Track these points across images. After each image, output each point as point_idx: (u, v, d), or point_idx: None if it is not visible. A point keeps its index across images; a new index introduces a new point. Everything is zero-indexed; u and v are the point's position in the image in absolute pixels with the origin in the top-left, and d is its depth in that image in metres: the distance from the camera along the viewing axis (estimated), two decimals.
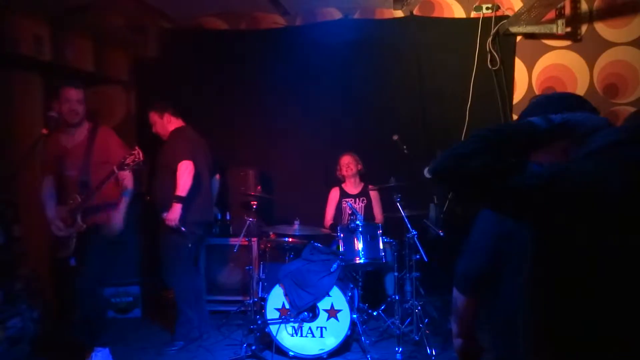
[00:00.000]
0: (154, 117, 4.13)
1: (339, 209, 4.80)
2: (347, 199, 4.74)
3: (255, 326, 3.89)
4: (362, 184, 4.84)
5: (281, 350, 3.75)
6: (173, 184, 3.79)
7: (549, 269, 1.16)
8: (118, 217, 3.57)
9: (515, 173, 1.11)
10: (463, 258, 1.67)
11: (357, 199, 4.78)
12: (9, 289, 3.92)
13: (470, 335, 1.73)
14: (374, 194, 4.78)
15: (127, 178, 3.64)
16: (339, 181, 4.89)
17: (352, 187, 4.82)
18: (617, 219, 1.06)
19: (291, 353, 3.74)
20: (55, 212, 3.48)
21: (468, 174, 1.12)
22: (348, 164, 4.75)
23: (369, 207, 4.77)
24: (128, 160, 3.33)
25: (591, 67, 4.73)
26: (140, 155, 3.35)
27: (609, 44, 4.70)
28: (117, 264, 4.53)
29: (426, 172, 3.46)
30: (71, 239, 3.45)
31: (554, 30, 4.64)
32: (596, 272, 1.08)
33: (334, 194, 4.85)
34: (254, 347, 3.77)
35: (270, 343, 3.74)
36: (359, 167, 4.79)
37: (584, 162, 1.15)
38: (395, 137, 4.39)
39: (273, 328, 3.75)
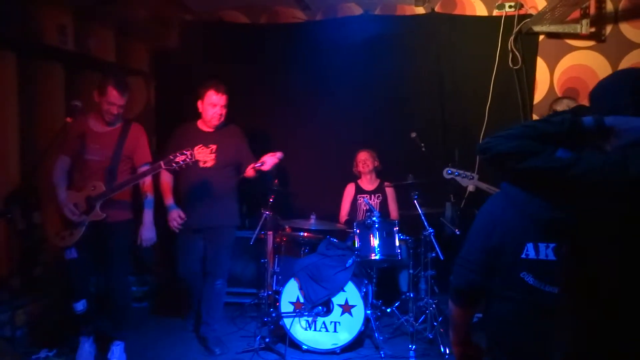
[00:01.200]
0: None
1: (354, 204, 4.80)
2: (362, 195, 4.74)
3: (269, 319, 3.92)
4: (378, 181, 4.84)
5: (294, 344, 3.77)
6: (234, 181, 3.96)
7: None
8: (147, 233, 3.47)
9: (544, 155, 1.21)
10: (455, 271, 1.70)
11: (373, 196, 4.78)
12: (29, 274, 3.99)
13: (467, 342, 1.79)
14: (389, 191, 4.78)
15: (148, 183, 3.50)
16: (355, 177, 4.89)
17: (368, 183, 4.82)
18: (633, 208, 1.10)
19: (304, 347, 3.76)
20: (68, 195, 3.36)
21: (502, 151, 1.25)
22: (365, 160, 4.75)
23: (384, 204, 4.76)
24: (178, 159, 3.19)
25: (615, 68, 4.65)
26: (193, 157, 3.22)
27: (634, 45, 4.62)
28: (134, 254, 4.60)
29: (445, 173, 3.45)
30: (81, 226, 3.32)
31: (578, 30, 4.58)
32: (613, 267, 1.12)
33: (350, 190, 4.85)
34: (267, 340, 3.80)
35: (284, 336, 3.76)
36: (376, 163, 4.78)
37: (611, 153, 1.19)
38: (413, 135, 4.38)
39: (287, 321, 3.78)
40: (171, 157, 3.22)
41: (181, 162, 3.21)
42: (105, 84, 3.35)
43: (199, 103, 3.83)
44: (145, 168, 3.48)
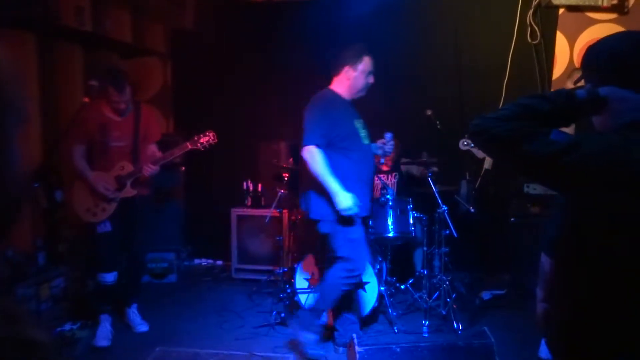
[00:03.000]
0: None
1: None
2: (378, 174, 4.74)
3: (284, 295, 3.99)
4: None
5: None
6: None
7: (575, 237, 1.17)
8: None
9: (536, 139, 1.15)
10: (551, 223, 1.66)
11: (389, 175, 4.77)
12: (53, 250, 4.13)
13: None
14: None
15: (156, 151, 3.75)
16: None
17: (385, 165, 4.80)
18: (633, 195, 1.07)
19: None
20: (96, 175, 3.56)
21: (495, 135, 1.19)
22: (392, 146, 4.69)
23: (400, 183, 4.76)
24: (202, 140, 3.54)
25: None
26: (214, 138, 3.56)
27: None
28: (155, 231, 4.72)
29: (461, 144, 3.42)
30: (114, 202, 3.57)
31: (599, 3, 4.44)
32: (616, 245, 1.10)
33: None
34: (283, 315, 3.87)
35: None
36: (398, 151, 4.73)
37: (610, 134, 1.15)
38: (428, 112, 4.35)
39: (302, 297, 3.84)
40: (196, 137, 3.55)
41: (205, 143, 3.53)
42: (105, 86, 3.50)
43: None
44: (155, 149, 3.71)
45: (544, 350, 3.01)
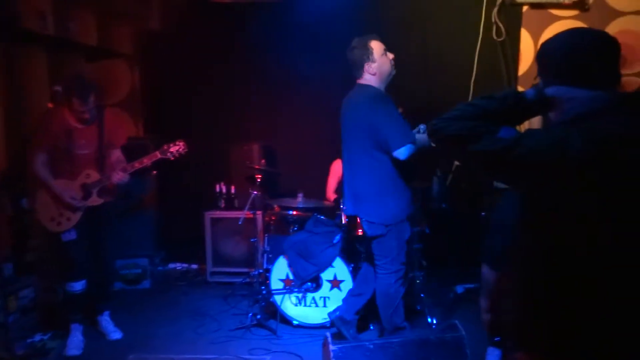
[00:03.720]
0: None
1: (341, 181, 4.82)
2: None
3: (260, 296, 3.98)
4: None
5: (285, 319, 3.85)
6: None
7: (530, 231, 1.20)
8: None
9: (484, 138, 1.19)
10: (489, 236, 1.71)
11: None
12: (21, 260, 4.03)
13: (498, 309, 1.78)
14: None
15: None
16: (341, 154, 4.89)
17: None
18: (575, 187, 1.11)
19: (295, 322, 3.83)
20: (60, 184, 3.48)
21: (447, 134, 1.24)
22: None
23: None
24: (172, 149, 3.51)
25: None
26: (184, 147, 3.53)
27: (618, 13, 4.59)
28: (126, 237, 4.65)
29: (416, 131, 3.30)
30: (79, 211, 3.50)
31: (562, 0, 4.56)
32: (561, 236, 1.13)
33: (336, 167, 4.86)
34: (259, 317, 3.86)
35: (275, 312, 3.83)
36: None
37: (553, 129, 1.19)
38: (399, 110, 4.38)
39: (277, 298, 3.84)
40: (165, 147, 3.52)
41: (175, 152, 3.51)
42: (69, 96, 3.41)
43: None
44: (119, 154, 3.63)
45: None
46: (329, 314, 3.55)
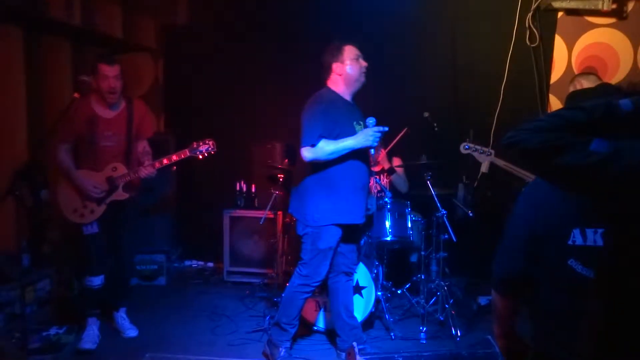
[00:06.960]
0: None
1: None
2: (375, 176, 4.66)
3: (279, 299, 3.89)
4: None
5: (305, 324, 3.75)
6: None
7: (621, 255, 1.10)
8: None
9: (573, 150, 1.10)
10: (497, 260, 1.61)
11: (382, 175, 4.70)
12: (39, 251, 3.98)
13: (512, 334, 1.68)
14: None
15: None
16: None
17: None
18: None
19: (314, 327, 3.74)
20: (84, 175, 3.41)
21: (529, 147, 1.14)
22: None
23: (392, 183, 4.68)
24: (201, 147, 3.40)
25: (636, 47, 4.50)
26: (214, 147, 3.43)
27: None
28: (144, 232, 4.60)
29: (462, 148, 3.35)
30: (103, 204, 3.43)
31: (599, 7, 4.40)
32: None
33: None
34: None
35: None
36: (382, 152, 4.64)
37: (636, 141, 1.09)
38: (426, 114, 4.29)
39: None
40: (195, 144, 3.42)
41: (204, 151, 3.41)
42: (95, 65, 3.37)
43: None
44: (146, 145, 3.56)
45: None
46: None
